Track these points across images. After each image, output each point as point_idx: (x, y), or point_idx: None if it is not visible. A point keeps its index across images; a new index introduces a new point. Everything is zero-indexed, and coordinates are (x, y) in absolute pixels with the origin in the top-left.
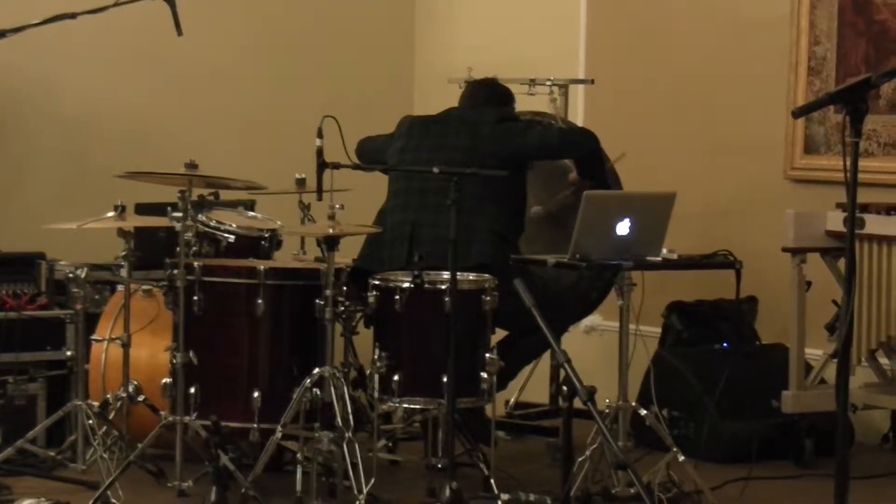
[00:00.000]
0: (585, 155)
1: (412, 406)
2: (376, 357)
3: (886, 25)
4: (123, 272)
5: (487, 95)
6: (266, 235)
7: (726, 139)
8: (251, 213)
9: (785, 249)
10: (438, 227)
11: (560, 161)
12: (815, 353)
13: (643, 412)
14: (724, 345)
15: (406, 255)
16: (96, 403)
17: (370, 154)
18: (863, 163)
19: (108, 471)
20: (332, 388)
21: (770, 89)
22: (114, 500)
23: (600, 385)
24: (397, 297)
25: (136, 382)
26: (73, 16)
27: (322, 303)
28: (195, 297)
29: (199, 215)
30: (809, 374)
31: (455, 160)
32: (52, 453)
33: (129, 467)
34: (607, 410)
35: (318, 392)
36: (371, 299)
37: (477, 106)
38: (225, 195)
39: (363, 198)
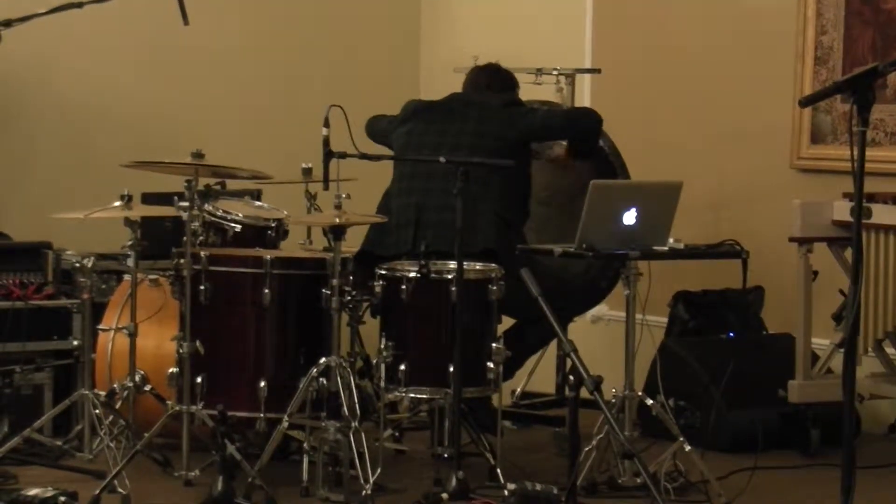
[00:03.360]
0: (588, 134)
1: (418, 396)
2: (382, 346)
3: (893, 14)
4: (130, 262)
5: (490, 80)
6: (272, 225)
7: (733, 128)
8: (257, 203)
9: (792, 239)
10: (444, 211)
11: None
12: (821, 342)
13: (649, 402)
14: (731, 334)
15: (412, 240)
16: (103, 393)
17: (377, 134)
18: (869, 152)
19: (115, 460)
20: (339, 378)
21: (776, 78)
22: (120, 490)
23: (606, 375)
24: (403, 286)
25: (142, 372)
26: (79, 5)
27: (328, 292)
28: (201, 287)
29: (206, 205)
30: (816, 363)
31: (461, 145)
32: (59, 443)
33: (136, 457)
34: (613, 400)
35: (325, 381)
36: (377, 289)
37: (481, 91)
38: (231, 185)
39: (369, 187)
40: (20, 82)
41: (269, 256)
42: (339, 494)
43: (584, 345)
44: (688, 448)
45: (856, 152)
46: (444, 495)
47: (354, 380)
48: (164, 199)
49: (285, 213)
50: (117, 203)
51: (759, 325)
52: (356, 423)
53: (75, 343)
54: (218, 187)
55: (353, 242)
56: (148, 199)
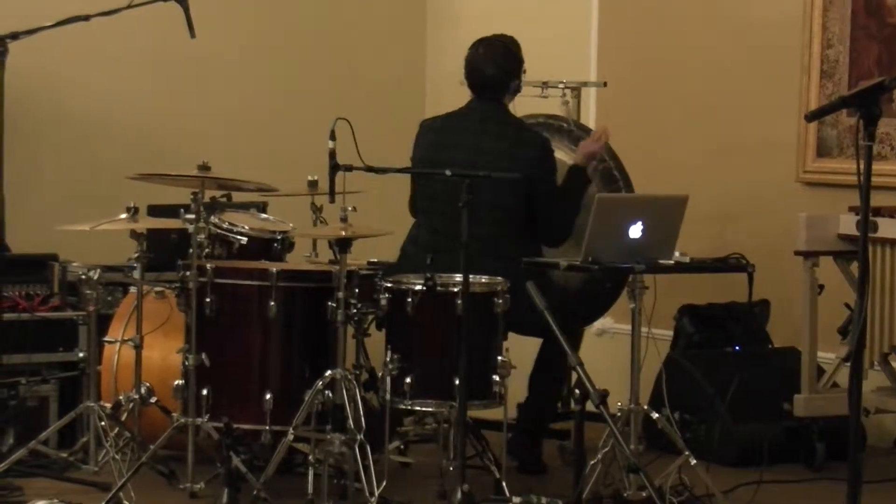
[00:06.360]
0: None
1: (424, 408)
2: (388, 359)
3: None
4: (136, 274)
5: (498, 76)
6: (278, 237)
7: (738, 142)
8: (263, 215)
9: (797, 253)
10: (449, 237)
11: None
12: (827, 356)
13: (655, 415)
14: (736, 348)
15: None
16: (108, 405)
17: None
18: (875, 166)
19: (120, 472)
20: (344, 391)
21: (782, 92)
22: (126, 502)
23: (612, 388)
24: (409, 299)
25: (148, 384)
26: (86, 18)
27: (334, 305)
28: (207, 299)
29: (212, 217)
30: (821, 377)
31: (481, 166)
32: (65, 455)
33: (141, 469)
34: (619, 413)
35: (330, 394)
36: (383, 302)
37: (492, 95)
38: (237, 197)
39: (375, 200)
40: (26, 94)
41: (274, 269)
42: None
43: (589, 358)
44: (693, 462)
45: (862, 166)
46: None
47: (360, 392)
48: (170, 211)
49: (291, 225)
50: (123, 215)
51: (765, 339)
52: (361, 436)
53: (81, 355)
54: (224, 199)
55: (358, 255)
56: (154, 211)
